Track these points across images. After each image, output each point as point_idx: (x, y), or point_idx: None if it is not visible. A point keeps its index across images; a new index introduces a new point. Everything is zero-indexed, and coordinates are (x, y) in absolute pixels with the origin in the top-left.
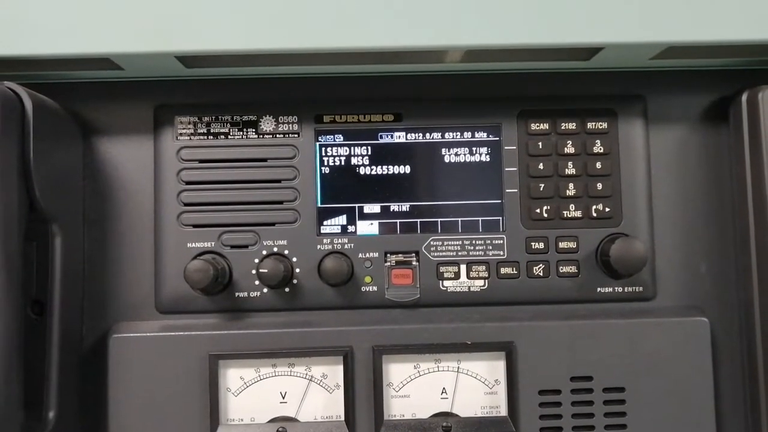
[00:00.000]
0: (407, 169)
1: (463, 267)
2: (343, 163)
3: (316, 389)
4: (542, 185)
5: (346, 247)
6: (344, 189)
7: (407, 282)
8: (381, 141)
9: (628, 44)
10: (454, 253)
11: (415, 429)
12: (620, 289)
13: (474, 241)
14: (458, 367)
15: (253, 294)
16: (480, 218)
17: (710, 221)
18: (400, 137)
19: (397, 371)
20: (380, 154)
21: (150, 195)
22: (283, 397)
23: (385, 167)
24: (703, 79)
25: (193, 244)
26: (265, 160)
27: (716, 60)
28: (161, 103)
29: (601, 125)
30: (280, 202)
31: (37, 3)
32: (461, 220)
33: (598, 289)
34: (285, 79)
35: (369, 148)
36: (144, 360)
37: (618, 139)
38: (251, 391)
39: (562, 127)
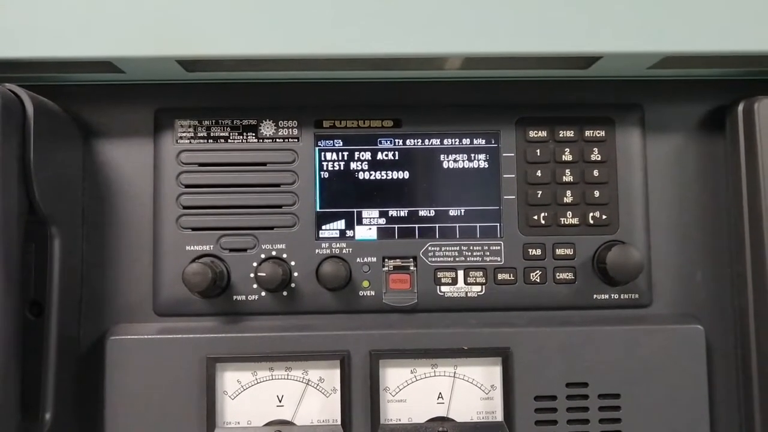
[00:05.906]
0: (406, 174)
1: (460, 272)
2: (342, 168)
3: (312, 393)
4: (540, 192)
5: (344, 251)
6: (343, 194)
7: (405, 287)
8: (380, 146)
9: (626, 54)
10: (452, 259)
11: None
12: (616, 296)
13: (471, 247)
14: (455, 372)
15: (251, 297)
16: (478, 224)
17: (706, 229)
18: (399, 143)
19: (393, 376)
20: (379, 160)
21: (149, 198)
22: (280, 401)
23: (384, 173)
24: (699, 88)
25: (192, 247)
26: (264, 164)
27: (713, 70)
28: (162, 107)
29: (598, 133)
30: (279, 206)
31: (39, 6)
32: (459, 226)
33: (595, 296)
34: (285, 84)
35: (368, 153)
36: (141, 362)
37: (615, 147)
38: (248, 394)
39: (560, 135)
